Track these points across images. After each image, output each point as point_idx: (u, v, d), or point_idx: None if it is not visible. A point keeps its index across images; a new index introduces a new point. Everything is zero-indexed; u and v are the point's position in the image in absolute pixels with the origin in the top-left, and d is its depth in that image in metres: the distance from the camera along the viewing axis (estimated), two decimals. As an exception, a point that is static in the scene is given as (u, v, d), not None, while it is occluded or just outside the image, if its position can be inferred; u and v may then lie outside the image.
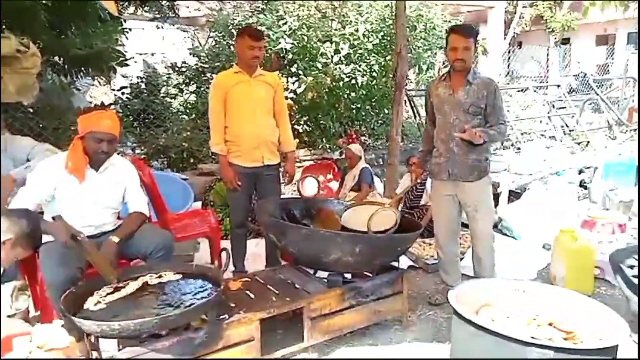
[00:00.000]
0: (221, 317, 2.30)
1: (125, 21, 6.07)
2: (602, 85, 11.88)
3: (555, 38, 16.54)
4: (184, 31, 8.68)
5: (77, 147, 2.55)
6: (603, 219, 3.62)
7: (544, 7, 15.84)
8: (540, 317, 2.42)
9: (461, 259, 3.73)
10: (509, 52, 15.95)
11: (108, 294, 2.29)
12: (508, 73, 14.97)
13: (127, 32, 5.85)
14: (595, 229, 3.58)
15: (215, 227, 3.62)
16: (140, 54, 8.70)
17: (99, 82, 8.16)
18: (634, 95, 9.98)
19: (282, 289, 2.65)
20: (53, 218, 2.39)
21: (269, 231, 2.84)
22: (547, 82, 13.61)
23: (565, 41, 17.70)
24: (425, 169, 3.42)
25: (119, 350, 2.05)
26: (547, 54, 16.85)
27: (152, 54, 9.06)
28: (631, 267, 2.73)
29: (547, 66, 16.65)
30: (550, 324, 2.38)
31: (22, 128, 4.68)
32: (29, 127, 4.77)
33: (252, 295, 2.58)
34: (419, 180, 4.26)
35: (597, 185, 5.21)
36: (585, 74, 14.21)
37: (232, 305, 2.44)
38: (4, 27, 3.88)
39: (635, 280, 2.72)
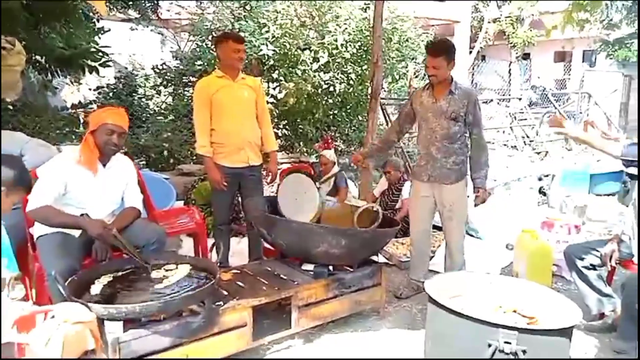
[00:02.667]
0: (217, 304, 2.47)
1: (98, 21, 6.12)
2: (560, 99, 12.57)
3: (516, 53, 17.34)
4: (159, 33, 8.73)
5: (88, 141, 2.67)
6: (560, 221, 3.97)
7: (506, 23, 16.60)
8: (506, 305, 2.70)
9: (431, 257, 4.02)
10: (474, 65, 16.64)
11: (109, 281, 2.44)
12: (473, 85, 15.60)
13: (108, 31, 5.92)
14: (553, 229, 3.92)
15: (201, 224, 3.74)
16: (109, 54, 8.72)
17: (71, 82, 8.14)
18: (589, 109, 10.64)
19: (270, 279, 2.84)
20: (81, 215, 2.55)
21: (260, 225, 3.02)
22: (509, 95, 14.26)
23: (526, 56, 18.57)
24: (365, 160, 3.74)
25: (124, 332, 2.18)
26: (510, 68, 17.63)
27: (120, 54, 9.06)
28: (581, 259, 3.03)
29: (509, 79, 17.42)
30: (515, 311, 2.66)
31: (3, 125, 4.69)
32: (10, 125, 4.79)
33: (243, 285, 2.75)
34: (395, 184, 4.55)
35: (555, 192, 5.63)
36: (545, 88, 14.99)
37: (226, 293, 2.61)
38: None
39: (586, 272, 3.03)
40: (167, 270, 2.57)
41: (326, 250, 2.73)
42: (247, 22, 5.81)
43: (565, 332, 2.34)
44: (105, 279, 2.45)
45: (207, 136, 3.41)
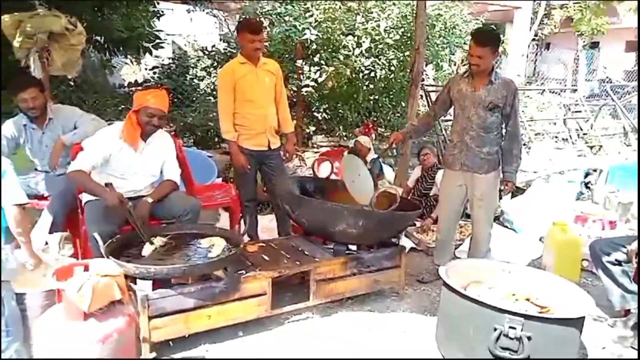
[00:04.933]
0: (239, 272, 2.67)
1: (158, 3, 6.42)
2: (627, 92, 11.83)
3: (584, 41, 16.40)
4: (214, 16, 9.01)
5: (131, 119, 2.90)
6: (595, 216, 3.87)
7: (574, 10, 15.70)
8: (519, 294, 2.73)
9: (458, 245, 4.05)
10: (536, 53, 15.92)
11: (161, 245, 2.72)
12: (534, 74, 14.97)
13: (163, 15, 6.24)
14: (587, 224, 3.84)
15: (236, 200, 3.95)
16: (169, 35, 9.11)
17: (131, 61, 8.60)
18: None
19: (293, 254, 3.01)
20: (106, 184, 2.77)
21: (284, 203, 3.18)
22: (575, 85, 13.58)
23: (595, 45, 17.54)
24: (404, 141, 3.75)
25: (153, 290, 2.41)
26: (577, 58, 16.71)
27: (180, 35, 9.43)
28: (607, 254, 2.99)
29: (575, 69, 16.54)
30: (528, 299, 2.69)
31: (64, 100, 5.10)
32: (70, 100, 5.19)
33: (266, 258, 2.94)
34: (428, 172, 4.57)
35: (600, 187, 5.43)
36: (611, 80, 14.14)
37: (249, 264, 2.80)
38: (54, 6, 4.21)
39: (611, 267, 2.99)
40: (212, 240, 2.79)
41: (344, 230, 2.85)
42: (293, 6, 5.93)
43: (573, 322, 2.36)
44: (158, 242, 2.70)
45: (231, 121, 3.56)
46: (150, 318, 2.38)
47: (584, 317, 2.43)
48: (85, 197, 2.95)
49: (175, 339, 2.53)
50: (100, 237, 2.52)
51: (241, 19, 3.88)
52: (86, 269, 2.00)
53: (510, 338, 2.29)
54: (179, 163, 3.51)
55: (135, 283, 2.42)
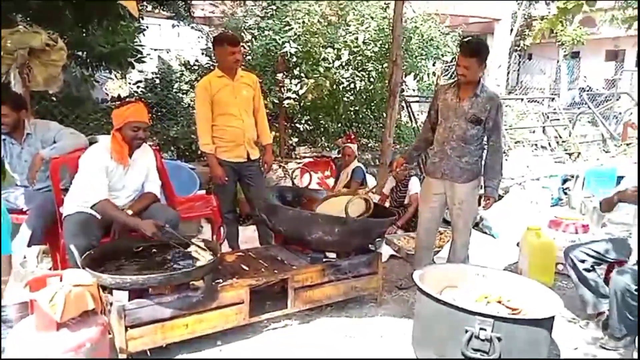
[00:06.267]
0: (217, 281, 2.70)
1: (142, 18, 6.49)
2: (607, 99, 12.08)
3: (564, 51, 16.77)
4: (199, 30, 9.11)
5: (116, 138, 2.92)
6: (568, 220, 3.97)
7: (554, 21, 16.01)
8: (492, 296, 2.80)
9: (437, 252, 4.11)
10: (519, 63, 16.22)
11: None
12: (518, 83, 15.23)
13: (145, 29, 6.31)
14: (560, 228, 3.93)
15: (217, 211, 3.99)
16: (156, 50, 9.15)
17: (116, 76, 8.65)
18: (630, 110, 10.26)
19: (271, 262, 3.04)
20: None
21: (262, 212, 3.23)
22: (555, 94, 13.85)
23: (575, 55, 17.93)
24: (408, 162, 3.66)
25: (129, 300, 2.43)
26: (558, 67, 17.06)
27: (168, 51, 9.52)
28: (581, 261, 3.07)
29: (556, 79, 16.88)
30: (499, 302, 2.76)
31: (46, 115, 5.11)
32: (52, 115, 5.21)
33: (244, 267, 2.97)
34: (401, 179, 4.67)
35: (577, 193, 5.56)
36: (591, 88, 14.46)
37: (227, 273, 2.83)
38: (36, 23, 4.26)
39: (585, 273, 3.06)
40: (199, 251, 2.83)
41: (321, 237, 2.90)
42: (273, 20, 6.04)
43: (542, 323, 2.42)
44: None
45: (209, 134, 3.60)
46: (127, 328, 2.39)
47: (553, 318, 2.50)
48: (65, 211, 2.97)
49: (153, 349, 2.54)
50: (78, 249, 2.54)
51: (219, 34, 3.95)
52: (61, 279, 2.03)
53: (481, 339, 2.35)
54: (160, 175, 3.55)
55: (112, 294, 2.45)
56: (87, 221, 2.86)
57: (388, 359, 2.70)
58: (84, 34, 5.52)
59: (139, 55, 5.60)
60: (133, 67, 5.71)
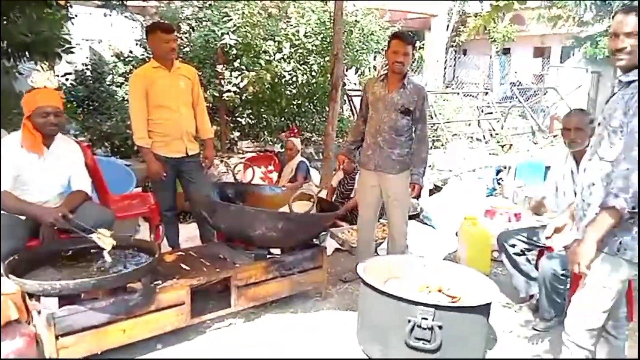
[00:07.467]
0: (155, 282, 2.59)
1: (71, 6, 6.09)
2: (535, 93, 12.78)
3: (496, 48, 17.56)
4: (133, 20, 8.70)
5: (27, 126, 2.73)
6: (502, 209, 4.16)
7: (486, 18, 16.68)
8: (432, 285, 2.87)
9: (380, 243, 4.18)
10: (454, 59, 16.80)
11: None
12: (454, 78, 15.78)
13: (73, 18, 5.92)
14: (495, 217, 4.11)
15: (154, 209, 3.84)
16: (87, 40, 8.63)
17: (42, 68, 8.08)
18: (556, 104, 10.91)
19: (213, 261, 2.96)
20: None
21: (202, 209, 3.13)
22: (488, 88, 14.48)
23: (507, 51, 18.82)
24: (350, 158, 3.75)
25: (59, 308, 2.28)
26: (491, 63, 17.84)
27: (100, 41, 9.01)
28: (512, 245, 3.23)
29: (490, 74, 17.65)
30: (440, 291, 2.84)
31: (-38, 109, 4.69)
32: (-31, 109, 4.78)
33: (185, 266, 2.87)
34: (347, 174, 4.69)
35: (509, 183, 5.84)
36: (521, 83, 15.24)
37: (167, 273, 2.72)
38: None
39: (516, 257, 3.22)
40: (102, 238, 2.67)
41: (264, 233, 2.85)
42: (212, 11, 5.87)
43: (480, 309, 2.52)
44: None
45: (145, 128, 3.44)
46: (57, 337, 2.25)
47: (490, 304, 2.60)
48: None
49: (90, 357, 2.41)
50: (2, 254, 2.35)
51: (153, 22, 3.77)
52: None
53: (423, 328, 2.41)
54: (91, 172, 3.36)
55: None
56: (10, 223, 2.65)
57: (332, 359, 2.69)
58: (5, 22, 5.09)
59: (67, 46, 5.23)
60: (60, 58, 5.33)
